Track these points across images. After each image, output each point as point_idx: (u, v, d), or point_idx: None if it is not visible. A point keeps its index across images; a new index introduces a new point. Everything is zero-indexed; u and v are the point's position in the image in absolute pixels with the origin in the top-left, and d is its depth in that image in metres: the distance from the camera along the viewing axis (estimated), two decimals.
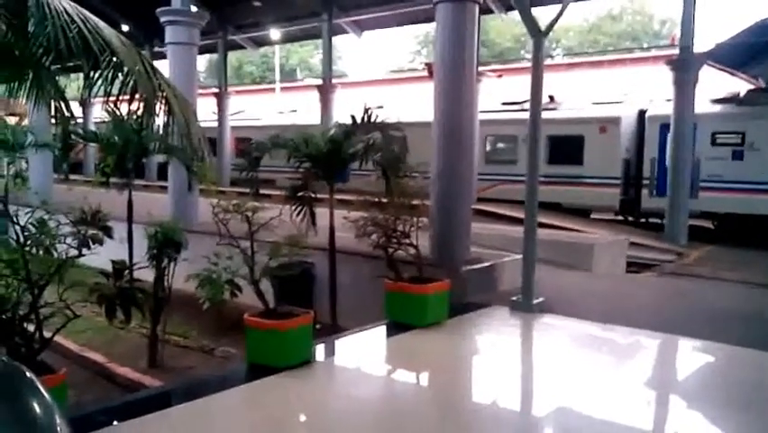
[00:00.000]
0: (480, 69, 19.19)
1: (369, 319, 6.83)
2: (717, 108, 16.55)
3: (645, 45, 37.91)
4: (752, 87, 19.41)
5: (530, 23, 7.49)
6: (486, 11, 18.30)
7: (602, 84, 23.96)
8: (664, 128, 16.42)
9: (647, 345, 6.69)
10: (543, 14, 11.44)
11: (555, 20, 7.41)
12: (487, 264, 8.24)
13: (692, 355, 6.49)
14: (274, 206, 6.76)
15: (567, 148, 17.74)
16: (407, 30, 43.90)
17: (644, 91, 19.73)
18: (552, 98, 18.83)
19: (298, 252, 5.94)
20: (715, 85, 18.30)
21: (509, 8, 18.10)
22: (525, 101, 20.03)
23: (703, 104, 16.32)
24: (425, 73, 19.85)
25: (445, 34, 8.14)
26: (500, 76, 23.56)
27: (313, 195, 7.98)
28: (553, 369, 5.70)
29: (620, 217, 18.25)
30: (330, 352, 6.11)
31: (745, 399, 4.95)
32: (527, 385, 5.62)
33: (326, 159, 7.57)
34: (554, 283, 8.35)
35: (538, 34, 7.42)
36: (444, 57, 8.18)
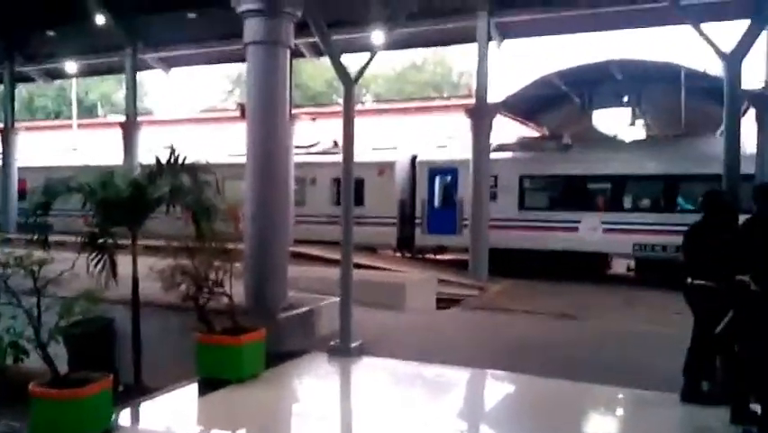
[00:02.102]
0: (294, 111, 19.37)
1: (180, 377, 6.32)
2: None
3: (446, 94, 40.93)
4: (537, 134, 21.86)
5: (341, 70, 7.67)
6: (298, 55, 18.56)
7: (408, 130, 25.39)
8: (432, 172, 18.37)
9: (459, 380, 6.97)
10: (353, 60, 11.88)
11: (364, 68, 7.67)
12: (304, 309, 8.10)
13: (498, 387, 6.89)
14: (69, 256, 6.10)
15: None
16: (220, 69, 43.19)
17: (445, 137, 21.27)
18: (335, 143, 19.93)
19: (95, 307, 5.36)
20: (511, 132, 20.31)
21: (321, 53, 18.55)
22: (310, 145, 20.99)
23: (464, 151, 18.17)
24: (238, 113, 19.55)
25: (257, 76, 8.03)
26: (314, 119, 23.98)
27: (114, 242, 7.29)
28: (373, 412, 5.70)
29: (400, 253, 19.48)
30: (135, 418, 5.55)
31: (546, 425, 5.32)
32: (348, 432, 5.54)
33: (128, 204, 6.98)
34: (371, 324, 8.44)
35: (349, 81, 7.61)
36: (256, 98, 8.05)
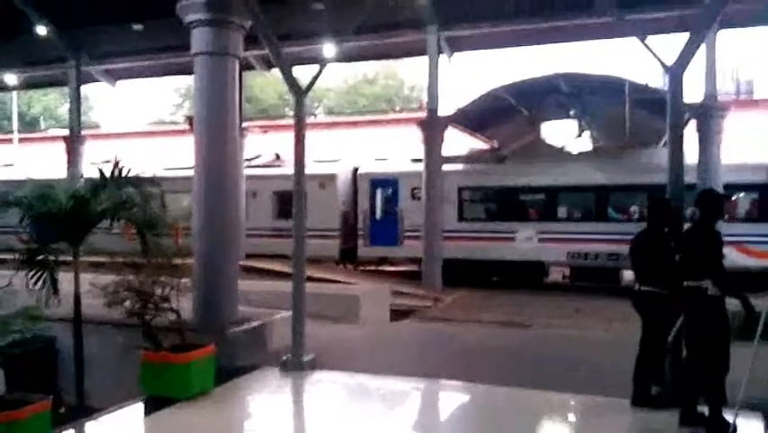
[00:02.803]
0: (245, 124, 19.16)
1: (126, 396, 6.09)
2: (415, 167, 18.71)
3: (398, 108, 41.20)
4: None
5: (291, 82, 7.60)
6: (248, 67, 18.39)
7: (361, 143, 25.44)
8: (373, 184, 18.55)
9: (413, 392, 6.92)
10: (304, 72, 11.81)
11: (314, 79, 7.63)
12: (255, 324, 7.93)
13: (451, 397, 6.87)
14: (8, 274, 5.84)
15: (291, 203, 18.52)
16: (168, 82, 42.45)
17: (396, 149, 21.38)
18: (278, 156, 19.93)
19: (34, 325, 5.13)
20: (464, 144, 20.60)
21: (271, 65, 18.45)
22: (251, 158, 20.90)
23: (405, 163, 18.83)
24: (187, 126, 19.22)
25: (204, 87, 7.88)
26: (266, 132, 23.78)
27: (54, 259, 7.00)
28: (326, 427, 5.59)
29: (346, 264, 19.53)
30: None
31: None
32: None
33: (69, 218, 6.72)
34: (324, 337, 8.33)
35: (299, 93, 7.55)
36: (204, 110, 7.90)
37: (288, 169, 19.80)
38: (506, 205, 17.58)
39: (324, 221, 18.30)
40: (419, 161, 18.66)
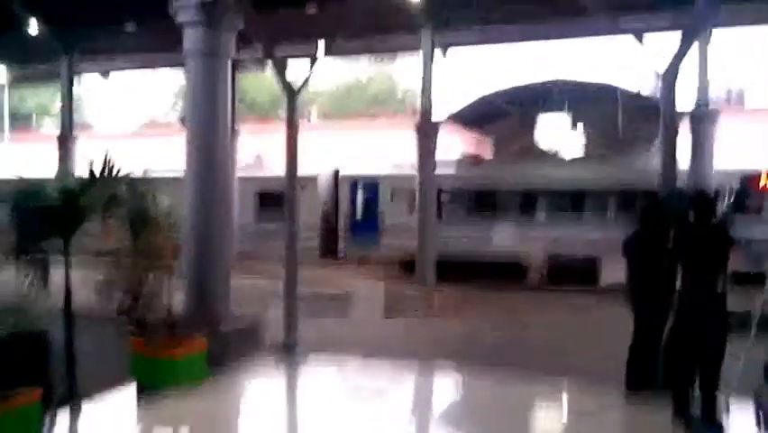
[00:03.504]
0: (239, 124, 19.22)
1: (116, 389, 6.13)
2: (394, 170, 19.29)
3: (392, 111, 41.25)
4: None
5: (283, 81, 7.67)
6: (243, 68, 18.47)
7: (354, 145, 25.50)
8: (353, 186, 19.00)
9: (406, 376, 7.05)
10: (298, 73, 11.85)
11: (307, 80, 7.71)
12: (248, 319, 7.97)
13: (444, 380, 7.03)
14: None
15: (273, 204, 18.65)
16: (162, 82, 42.37)
17: (388, 152, 21.55)
18: (259, 157, 20.05)
19: (25, 319, 5.15)
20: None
21: (264, 66, 18.55)
22: None
23: (384, 166, 19.42)
24: (179, 126, 19.25)
25: (196, 87, 7.92)
26: (259, 132, 23.80)
27: (45, 254, 7.01)
28: (318, 415, 5.67)
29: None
30: (68, 429, 5.35)
31: (491, 418, 5.38)
32: None
33: (59, 214, 6.73)
34: (317, 332, 8.38)
35: (291, 92, 7.63)
36: (196, 110, 7.94)
37: (270, 171, 20.11)
38: (484, 206, 18.00)
39: (305, 221, 18.54)
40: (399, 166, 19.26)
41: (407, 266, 18.01)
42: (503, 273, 17.18)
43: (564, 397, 6.41)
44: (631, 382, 5.91)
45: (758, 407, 4.89)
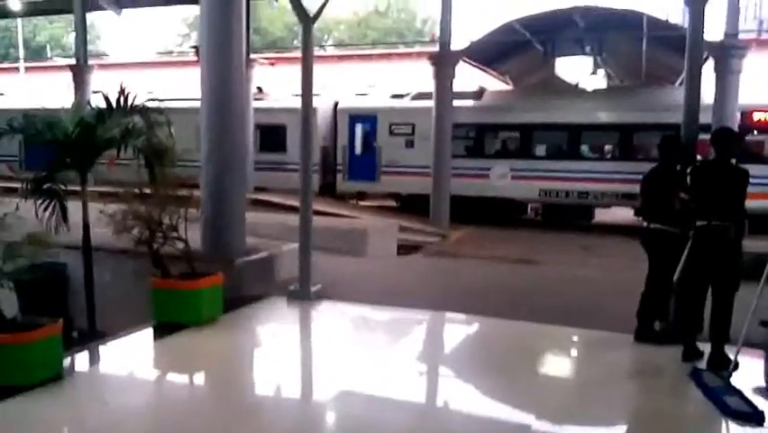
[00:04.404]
0: (253, 56, 18.83)
1: (135, 322, 6.21)
2: (393, 103, 18.74)
3: (410, 41, 40.27)
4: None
5: (298, 8, 7.38)
6: None
7: (370, 76, 24.98)
8: (353, 119, 18.44)
9: (418, 323, 7.03)
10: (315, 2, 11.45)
11: (323, 6, 7.40)
12: (263, 255, 8.00)
13: (456, 329, 6.98)
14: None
15: (273, 137, 18.86)
16: (176, 12, 41.59)
17: (406, 84, 21.09)
18: (260, 89, 19.75)
19: (43, 252, 5.17)
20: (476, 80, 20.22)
21: None
22: None
23: (383, 99, 18.81)
24: (195, 57, 18.93)
25: (210, 16, 7.69)
26: (273, 64, 23.39)
27: (63, 187, 7.01)
28: (332, 354, 5.71)
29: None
30: (90, 362, 5.47)
31: (502, 364, 5.42)
32: (307, 373, 5.56)
33: (76, 145, 6.68)
34: (331, 270, 8.40)
35: (307, 20, 7.36)
36: (210, 39, 7.72)
37: (270, 102, 19.83)
38: (481, 142, 17.72)
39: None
40: (399, 96, 18.93)
41: (407, 203, 18.24)
42: (502, 209, 17.31)
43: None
44: (639, 333, 5.73)
45: None
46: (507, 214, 17.55)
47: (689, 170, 5.53)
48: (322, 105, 18.60)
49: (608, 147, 17.17)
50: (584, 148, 17.07)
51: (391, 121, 18.19)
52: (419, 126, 17.58)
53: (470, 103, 17.62)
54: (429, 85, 16.67)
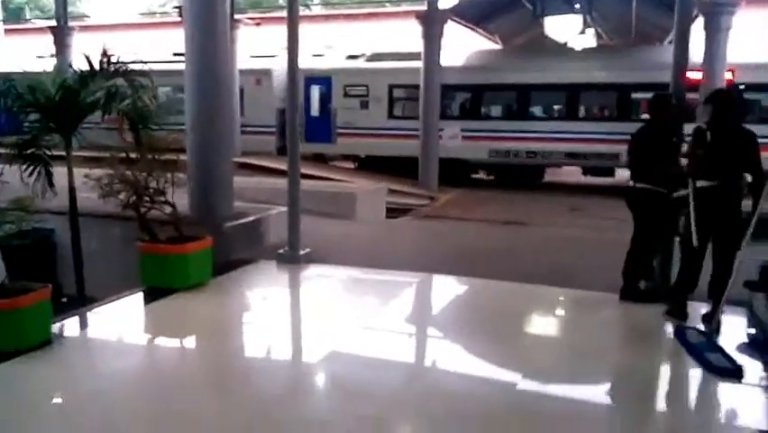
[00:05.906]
0: (238, 16, 18.49)
1: (124, 287, 6.21)
2: (347, 64, 18.69)
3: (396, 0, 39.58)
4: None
5: None
6: None
7: (357, 36, 24.62)
8: (309, 81, 18.15)
9: (408, 285, 7.08)
10: None
11: None
12: (252, 218, 7.98)
13: (446, 290, 7.03)
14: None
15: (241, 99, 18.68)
16: None
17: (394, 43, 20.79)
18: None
19: (28, 217, 5.13)
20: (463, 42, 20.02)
21: None
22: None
23: (338, 60, 18.78)
24: (179, 18, 18.51)
25: None
26: (259, 24, 22.97)
27: (47, 151, 6.93)
28: (322, 317, 5.75)
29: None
30: (80, 327, 5.47)
31: (490, 324, 5.49)
32: (297, 336, 5.62)
33: (59, 109, 6.57)
34: (320, 233, 8.41)
35: None
36: (193, 1, 7.57)
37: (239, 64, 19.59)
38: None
39: (261, 118, 18.49)
40: (354, 57, 18.87)
41: (365, 164, 18.35)
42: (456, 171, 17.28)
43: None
44: (625, 292, 5.77)
45: (751, 316, 4.91)
46: (460, 174, 17.62)
47: (693, 132, 5.38)
48: (278, 66, 18.37)
49: (556, 108, 17.28)
50: (533, 109, 17.21)
51: (346, 83, 18.21)
52: (373, 88, 17.70)
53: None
54: (414, 45, 16.52)
